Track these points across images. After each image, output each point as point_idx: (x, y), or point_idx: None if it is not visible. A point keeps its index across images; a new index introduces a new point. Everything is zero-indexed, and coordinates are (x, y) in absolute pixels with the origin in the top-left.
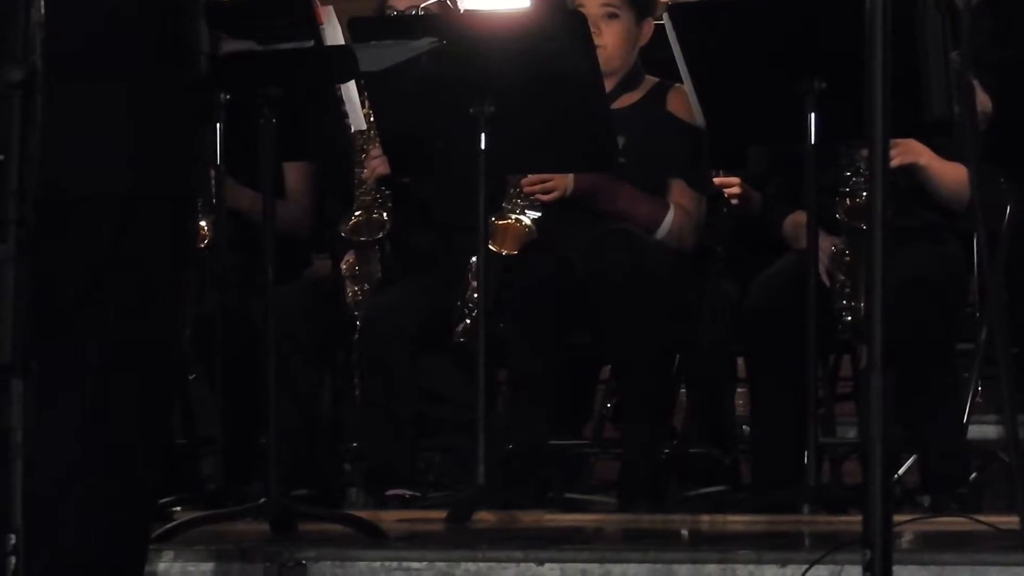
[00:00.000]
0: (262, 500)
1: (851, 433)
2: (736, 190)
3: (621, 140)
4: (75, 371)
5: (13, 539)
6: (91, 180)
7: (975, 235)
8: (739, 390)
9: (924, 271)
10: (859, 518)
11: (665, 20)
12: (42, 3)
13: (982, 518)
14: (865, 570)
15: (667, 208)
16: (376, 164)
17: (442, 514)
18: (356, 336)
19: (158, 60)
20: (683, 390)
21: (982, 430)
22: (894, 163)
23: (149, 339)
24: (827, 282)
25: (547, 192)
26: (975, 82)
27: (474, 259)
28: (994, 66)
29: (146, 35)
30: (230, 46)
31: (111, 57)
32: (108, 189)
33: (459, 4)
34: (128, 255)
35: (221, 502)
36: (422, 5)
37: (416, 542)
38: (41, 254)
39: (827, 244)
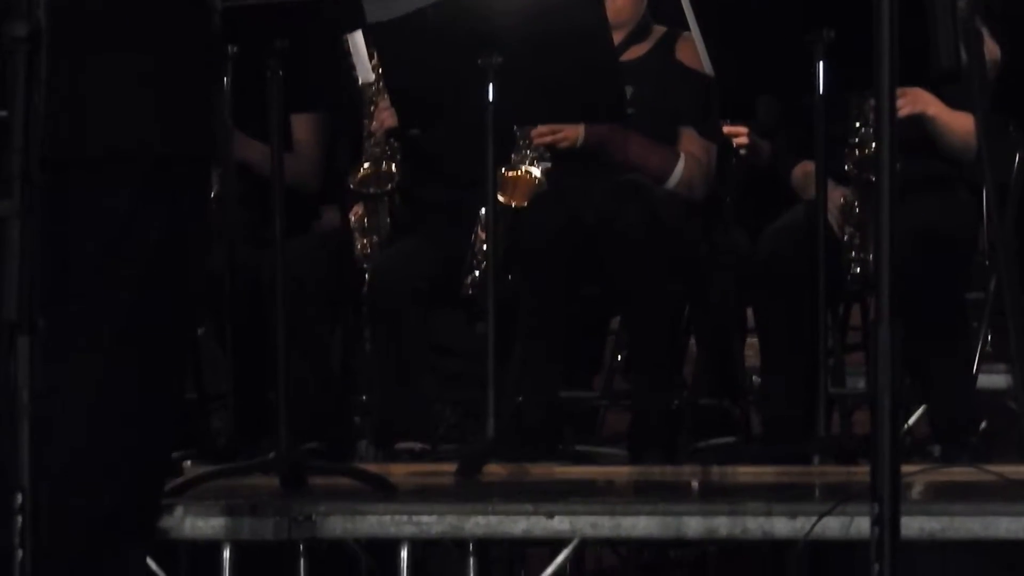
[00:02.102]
0: (272, 455)
1: (861, 384)
2: (745, 140)
3: (629, 90)
4: (90, 330)
5: (20, 498)
6: (114, 138)
7: (984, 185)
8: (749, 341)
9: (933, 221)
10: (869, 468)
11: None
12: None
13: (992, 468)
14: (874, 524)
15: (678, 157)
16: (384, 116)
17: (452, 467)
18: (366, 289)
19: (177, 22)
20: (693, 341)
21: (991, 379)
22: (901, 113)
23: (167, 298)
24: (838, 233)
25: (557, 143)
26: (984, 30)
27: (483, 211)
28: (1003, 14)
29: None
30: None
31: (130, 23)
32: (132, 146)
33: None
34: (150, 214)
35: (231, 457)
36: None
37: (426, 496)
38: (61, 215)
39: (836, 195)
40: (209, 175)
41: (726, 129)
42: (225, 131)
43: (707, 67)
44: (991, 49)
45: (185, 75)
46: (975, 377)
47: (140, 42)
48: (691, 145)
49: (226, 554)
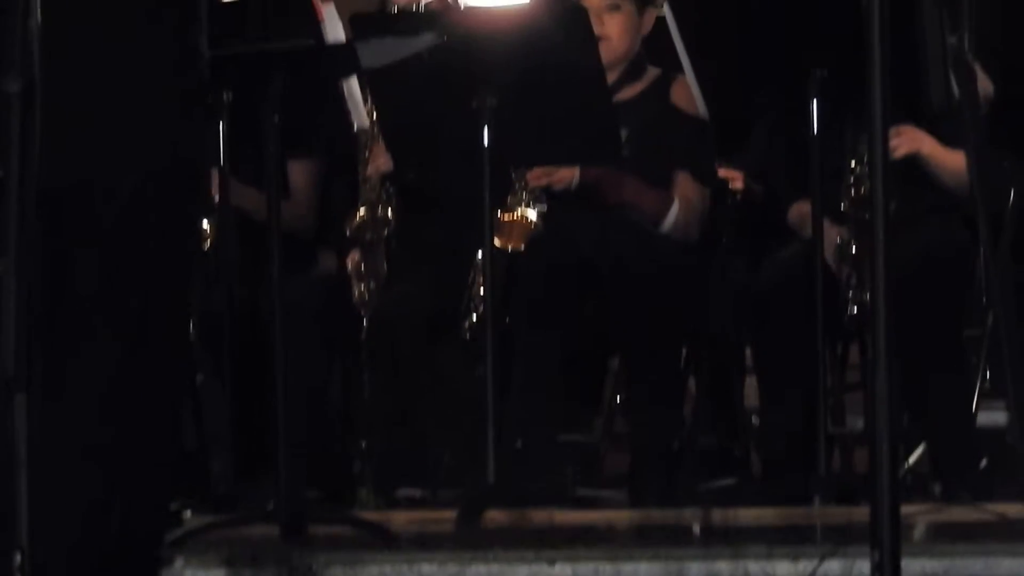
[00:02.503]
0: (271, 504)
1: (861, 422)
2: (740, 184)
3: (624, 132)
4: (84, 372)
5: (19, 558)
6: (101, 165)
7: (978, 222)
8: (748, 380)
9: (930, 256)
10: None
11: (666, 10)
12: (39, 12)
13: (992, 507)
14: (874, 570)
15: (672, 200)
16: (380, 161)
17: (453, 513)
18: (364, 333)
19: (162, 64)
20: (692, 381)
21: (991, 416)
22: (897, 154)
23: (159, 336)
24: (835, 272)
25: (552, 185)
26: (976, 65)
27: (480, 253)
28: (996, 48)
29: (150, 40)
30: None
31: (115, 67)
32: (117, 172)
33: None
34: (135, 259)
35: (231, 504)
36: (423, 1)
37: (427, 544)
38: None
39: (833, 234)
40: (199, 213)
41: (721, 173)
42: (221, 176)
43: (701, 109)
44: (984, 84)
45: (166, 119)
46: (975, 414)
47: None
48: (686, 188)
49: None
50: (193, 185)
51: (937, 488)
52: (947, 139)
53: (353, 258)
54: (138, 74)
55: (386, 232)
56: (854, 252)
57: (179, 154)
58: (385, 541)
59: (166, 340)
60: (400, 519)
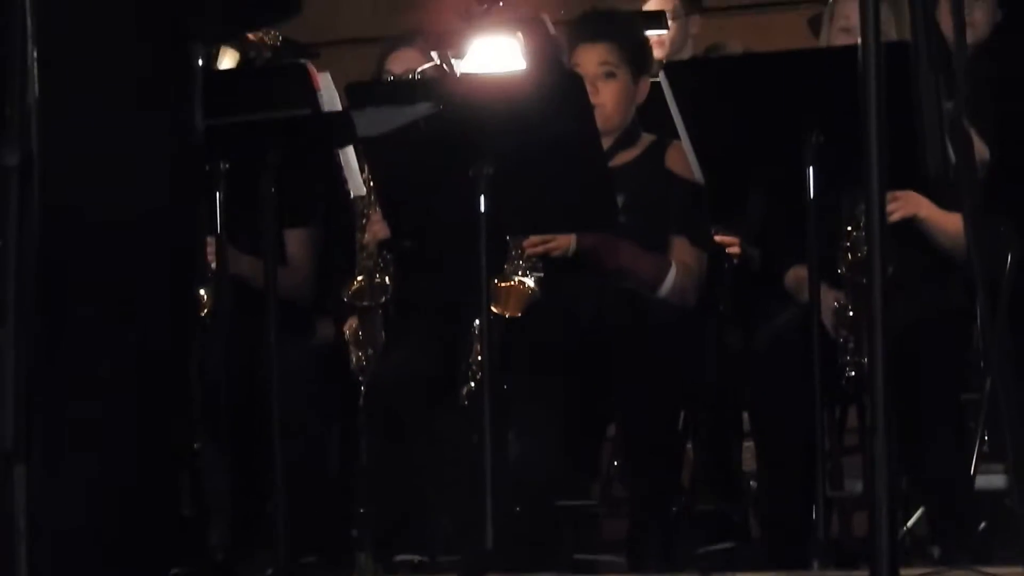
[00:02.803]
0: (270, 571)
1: (859, 486)
2: (736, 250)
3: (620, 198)
4: (83, 440)
5: None
6: (97, 235)
7: (976, 286)
8: (745, 444)
9: (927, 320)
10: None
11: (661, 78)
12: (37, 85)
13: (992, 570)
14: None
15: (669, 266)
16: (377, 229)
17: None
18: (362, 400)
19: (157, 135)
20: (690, 446)
21: (990, 480)
22: (893, 218)
23: (158, 402)
24: (832, 336)
25: (549, 252)
26: (971, 130)
27: (477, 322)
28: (990, 113)
29: (145, 111)
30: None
31: (111, 137)
32: (113, 242)
33: (456, 67)
34: (136, 314)
35: (229, 570)
36: (419, 69)
37: None
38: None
39: (830, 299)
40: (195, 284)
41: (717, 238)
42: (219, 244)
43: (697, 174)
44: (979, 149)
45: (176, 183)
46: (973, 477)
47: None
48: (682, 253)
49: None
50: (189, 253)
51: (936, 551)
52: (944, 202)
53: (351, 325)
54: (133, 145)
55: (384, 299)
56: (851, 316)
57: (175, 223)
58: None
59: (164, 407)
60: None
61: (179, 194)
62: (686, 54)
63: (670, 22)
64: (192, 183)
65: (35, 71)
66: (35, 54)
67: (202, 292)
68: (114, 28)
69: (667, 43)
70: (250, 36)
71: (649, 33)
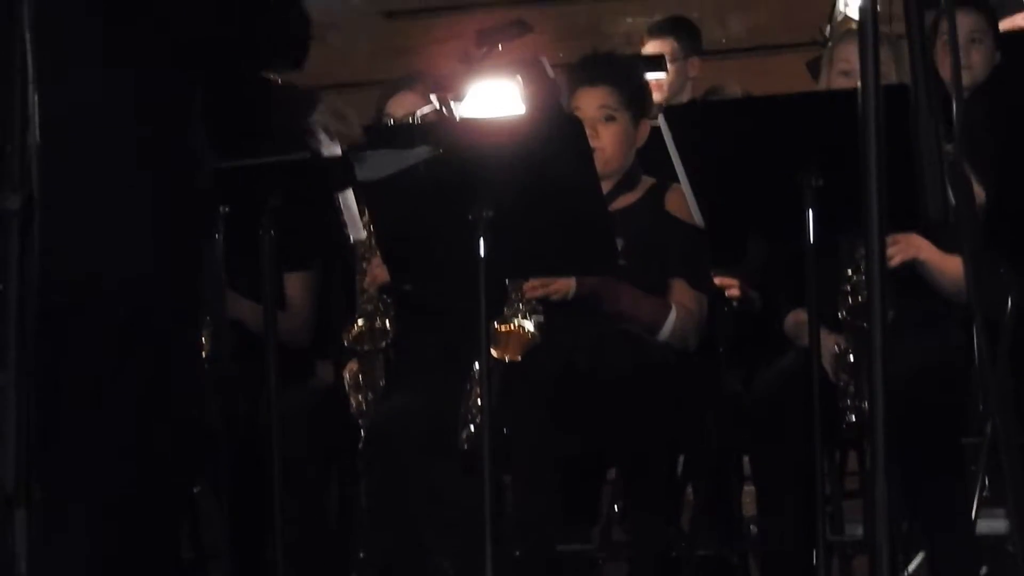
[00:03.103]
0: None
1: (860, 530)
2: (736, 292)
3: (620, 242)
4: (83, 485)
5: None
6: (107, 266)
7: (976, 329)
8: (746, 488)
9: (927, 364)
10: None
11: (661, 121)
12: (37, 128)
13: None
14: None
15: (669, 308)
16: (377, 273)
17: None
18: (361, 444)
19: (165, 175)
20: (690, 490)
21: (991, 524)
22: (894, 261)
23: (158, 447)
24: (832, 380)
25: (549, 295)
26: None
27: (477, 364)
28: (988, 155)
29: (153, 151)
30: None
31: (115, 178)
32: (112, 304)
33: (455, 111)
34: (132, 374)
35: None
36: (419, 113)
37: None
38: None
39: (830, 343)
40: (197, 330)
41: (717, 280)
42: (217, 286)
43: (697, 217)
44: (976, 191)
45: (177, 230)
46: (974, 522)
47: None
48: (682, 296)
49: None
50: (194, 296)
51: None
52: (945, 244)
53: (351, 369)
54: (139, 185)
55: (384, 343)
56: (851, 360)
57: (180, 265)
58: None
59: (164, 452)
60: None
61: (175, 248)
62: (685, 97)
63: (669, 65)
64: (194, 231)
65: (36, 116)
66: (36, 98)
67: (202, 337)
68: (116, 79)
69: (666, 86)
70: None
71: (648, 76)
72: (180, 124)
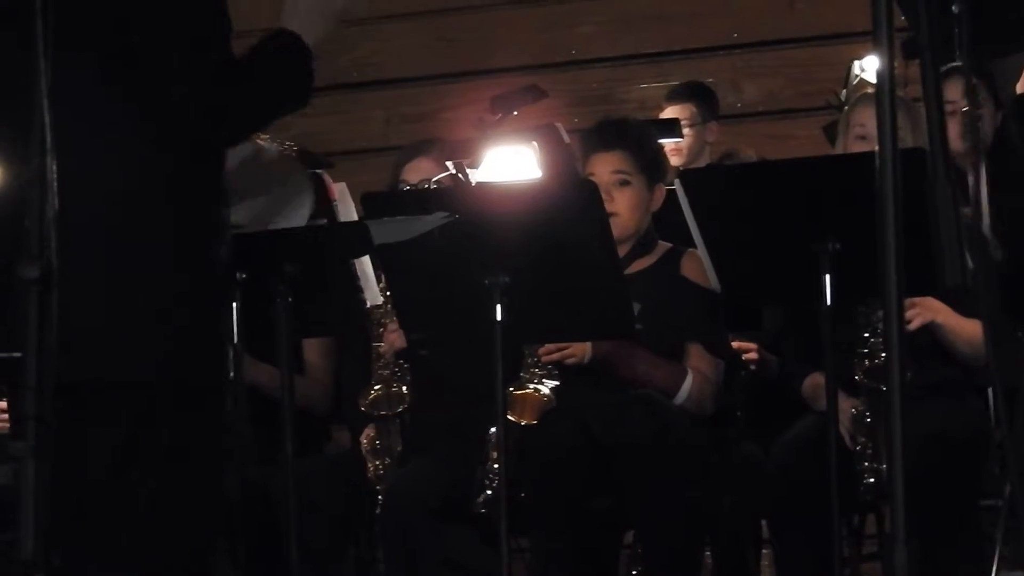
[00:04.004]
0: None
1: None
2: (754, 356)
3: (636, 306)
4: (101, 560)
5: None
6: (121, 368)
7: (991, 392)
8: (764, 551)
9: (945, 428)
10: None
11: (676, 185)
12: (56, 199)
13: None
14: None
15: (685, 373)
16: (394, 338)
17: None
18: (378, 510)
19: (186, 254)
20: (708, 553)
21: None
22: (913, 325)
23: (176, 521)
24: (849, 444)
25: (565, 360)
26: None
27: (493, 430)
28: (1002, 212)
29: (172, 229)
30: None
31: (137, 255)
32: (135, 378)
33: (471, 176)
34: (154, 445)
35: None
36: (434, 179)
37: None
38: (65, 439)
39: (847, 406)
40: (221, 400)
41: (735, 345)
42: (236, 353)
43: (713, 282)
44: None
45: (201, 303)
46: None
47: (144, 275)
48: (699, 361)
49: None
50: (219, 365)
51: None
52: (962, 307)
53: (368, 434)
54: (159, 254)
55: (400, 408)
56: (869, 423)
57: (205, 335)
58: None
59: (182, 524)
60: None
61: (200, 319)
62: (703, 162)
63: (687, 130)
64: (217, 301)
65: (55, 185)
66: (55, 168)
67: None
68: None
69: (685, 151)
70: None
71: (665, 141)
72: (209, 196)
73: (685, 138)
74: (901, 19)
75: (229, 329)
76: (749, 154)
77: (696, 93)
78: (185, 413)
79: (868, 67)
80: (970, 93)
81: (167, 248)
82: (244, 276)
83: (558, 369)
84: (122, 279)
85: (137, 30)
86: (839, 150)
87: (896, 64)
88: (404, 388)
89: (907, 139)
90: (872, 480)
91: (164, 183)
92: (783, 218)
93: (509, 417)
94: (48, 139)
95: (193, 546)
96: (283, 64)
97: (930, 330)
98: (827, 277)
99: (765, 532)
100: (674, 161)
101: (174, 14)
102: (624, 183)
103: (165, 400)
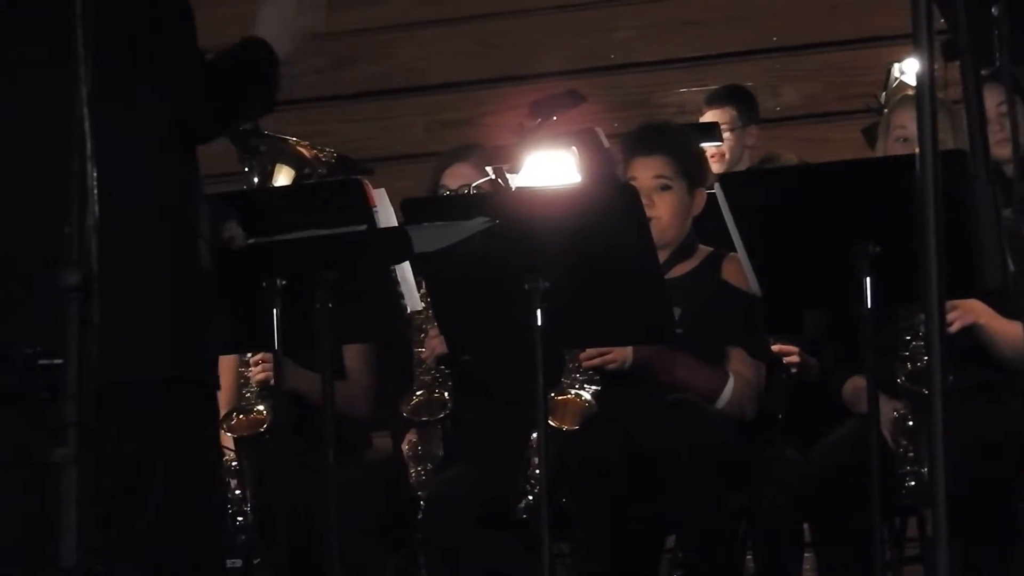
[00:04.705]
0: None
1: None
2: (795, 359)
3: (677, 311)
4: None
5: None
6: (130, 366)
7: None
8: (806, 555)
9: (985, 431)
10: None
11: (716, 189)
12: (96, 208)
13: None
14: None
15: (727, 377)
16: (435, 344)
17: None
18: (420, 516)
19: (172, 255)
20: (749, 557)
21: None
22: (953, 327)
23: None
24: (890, 447)
25: (606, 365)
26: None
27: (535, 435)
28: None
29: (156, 231)
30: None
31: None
32: (145, 376)
33: (510, 181)
34: (163, 439)
35: None
36: (474, 184)
37: None
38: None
39: (888, 409)
40: (211, 398)
41: (775, 348)
42: (276, 360)
43: (753, 286)
44: None
45: (188, 303)
46: None
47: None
48: (740, 365)
49: None
50: (207, 364)
51: None
52: (1004, 309)
53: (409, 440)
54: (146, 256)
55: (442, 414)
56: (910, 426)
57: (189, 334)
58: None
59: (180, 523)
60: None
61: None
62: (744, 166)
63: (728, 134)
64: (208, 296)
65: (95, 192)
66: (95, 175)
67: (261, 408)
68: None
69: (727, 154)
70: (305, 153)
71: (707, 147)
72: (188, 196)
73: (726, 142)
74: (941, 21)
75: (217, 328)
76: (790, 158)
77: (736, 97)
78: (175, 412)
79: (908, 70)
80: (1010, 94)
81: (153, 250)
82: (284, 283)
83: (599, 374)
84: (111, 283)
85: (112, 32)
86: (879, 153)
87: (936, 66)
88: (446, 394)
89: (948, 141)
90: (913, 483)
91: (149, 185)
92: (823, 221)
93: (550, 422)
94: (88, 146)
95: (192, 545)
96: (253, 69)
97: (971, 332)
98: (867, 280)
99: (806, 536)
100: (716, 167)
101: (146, 16)
102: (665, 188)
103: (156, 399)
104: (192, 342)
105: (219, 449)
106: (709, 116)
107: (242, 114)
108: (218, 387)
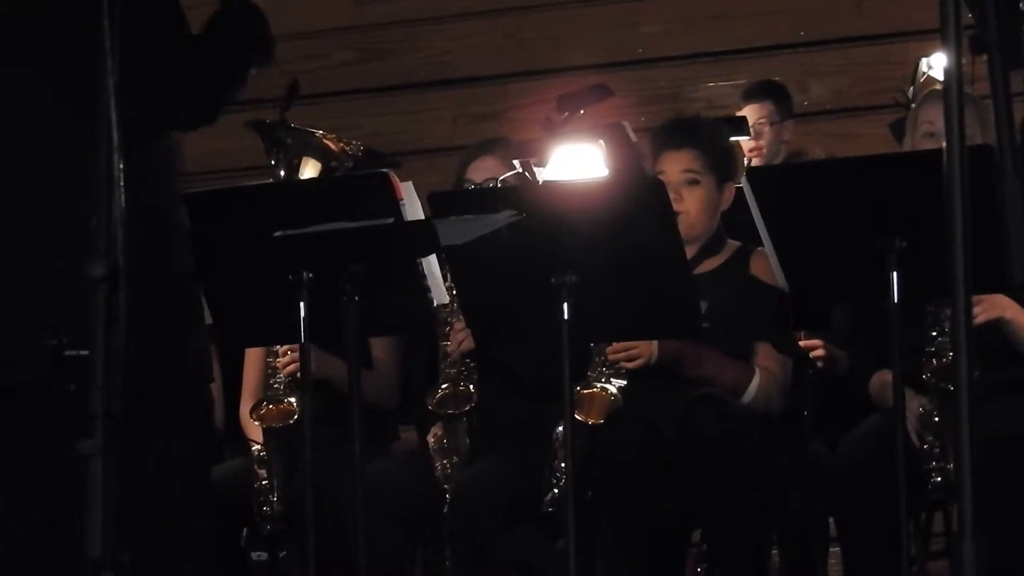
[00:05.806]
0: None
1: None
2: (821, 352)
3: (704, 305)
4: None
5: None
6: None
7: None
8: (832, 550)
9: (1011, 426)
10: None
11: (744, 183)
12: (123, 199)
13: None
14: None
15: (753, 372)
16: (461, 337)
17: None
18: (446, 509)
19: (157, 251)
20: (775, 552)
21: None
22: (979, 320)
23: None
24: (916, 443)
25: (632, 360)
26: None
27: (560, 429)
28: None
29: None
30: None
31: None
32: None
33: (537, 175)
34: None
35: None
36: (500, 177)
37: None
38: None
39: (915, 405)
40: (204, 391)
41: (802, 343)
42: (303, 352)
43: (781, 281)
44: None
45: (175, 298)
46: None
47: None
48: (767, 360)
49: None
50: (199, 356)
51: None
52: None
53: (435, 433)
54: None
55: (468, 407)
56: (936, 421)
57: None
58: None
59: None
60: None
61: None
62: (779, 160)
63: (767, 128)
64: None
65: (122, 183)
66: (122, 166)
67: (292, 400)
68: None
69: (765, 149)
70: (332, 146)
71: (745, 142)
72: (169, 191)
73: (764, 136)
74: (968, 16)
75: (203, 319)
76: (818, 153)
77: (772, 91)
78: (168, 406)
79: (935, 64)
80: None
81: (139, 245)
82: (311, 276)
83: (625, 368)
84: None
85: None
86: (907, 148)
87: (964, 61)
88: (471, 387)
89: (975, 136)
90: (940, 479)
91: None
92: (850, 216)
93: (576, 416)
94: (115, 137)
95: (186, 533)
96: (243, 29)
97: (998, 327)
98: (894, 275)
99: (832, 531)
100: (755, 162)
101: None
102: (693, 182)
103: (146, 394)
104: (177, 337)
105: (211, 442)
106: (747, 111)
107: (243, 76)
108: (211, 380)
